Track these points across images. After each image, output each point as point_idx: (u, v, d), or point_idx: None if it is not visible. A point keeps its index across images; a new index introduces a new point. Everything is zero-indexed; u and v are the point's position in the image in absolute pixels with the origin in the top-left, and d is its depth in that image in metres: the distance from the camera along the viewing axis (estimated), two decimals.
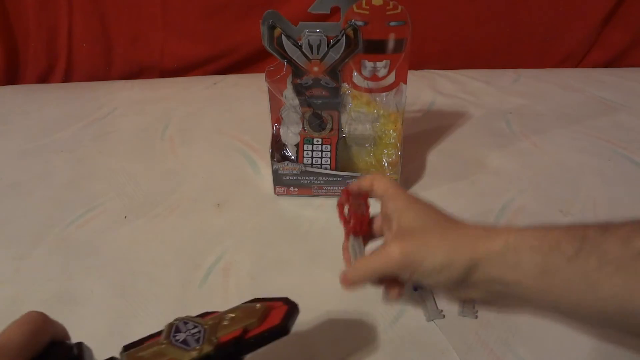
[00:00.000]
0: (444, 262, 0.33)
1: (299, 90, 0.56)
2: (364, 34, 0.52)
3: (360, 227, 0.41)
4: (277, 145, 0.61)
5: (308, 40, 0.52)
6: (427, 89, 0.90)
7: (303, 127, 0.60)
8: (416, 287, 0.48)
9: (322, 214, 0.59)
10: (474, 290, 0.34)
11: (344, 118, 0.60)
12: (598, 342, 0.43)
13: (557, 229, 0.30)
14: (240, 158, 0.71)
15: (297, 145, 0.60)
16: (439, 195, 0.62)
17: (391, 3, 0.50)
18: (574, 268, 0.28)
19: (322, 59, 0.54)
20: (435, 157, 0.70)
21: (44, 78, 0.98)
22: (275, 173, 0.60)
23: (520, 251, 0.31)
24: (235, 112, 0.83)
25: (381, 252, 0.36)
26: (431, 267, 0.33)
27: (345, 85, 0.57)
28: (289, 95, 0.57)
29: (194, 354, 0.28)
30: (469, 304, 0.47)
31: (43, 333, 0.28)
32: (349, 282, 0.38)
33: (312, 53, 0.53)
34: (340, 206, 0.42)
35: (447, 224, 0.36)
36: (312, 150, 0.60)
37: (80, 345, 0.29)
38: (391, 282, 0.39)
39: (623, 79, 0.93)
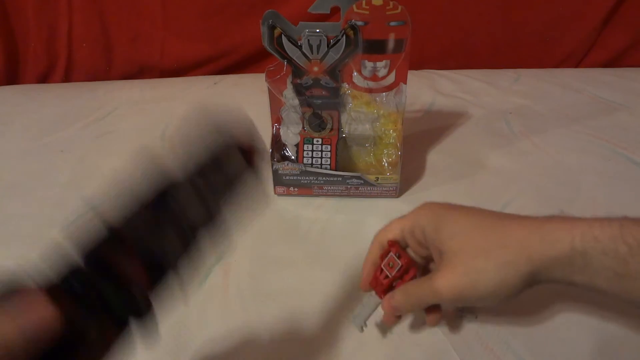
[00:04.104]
0: (497, 283, 0.30)
1: (299, 90, 0.56)
2: (364, 34, 0.52)
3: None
4: (277, 145, 0.61)
5: (308, 40, 0.52)
6: (427, 89, 0.90)
7: (303, 127, 0.60)
8: None
9: (322, 214, 0.59)
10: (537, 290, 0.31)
11: (344, 118, 0.60)
12: (598, 342, 0.43)
13: (631, 221, 0.28)
14: None
15: (297, 145, 0.60)
16: (439, 195, 0.62)
17: (391, 3, 0.50)
18: None
19: (322, 59, 0.54)
20: (435, 157, 0.70)
21: (44, 78, 0.98)
22: (275, 173, 0.60)
23: (589, 255, 0.28)
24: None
25: (430, 285, 0.33)
26: (484, 292, 0.31)
27: (345, 85, 0.57)
28: (289, 95, 0.57)
29: None
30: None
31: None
32: (394, 309, 0.36)
33: (312, 53, 0.53)
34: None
35: (492, 231, 0.33)
36: (312, 150, 0.60)
37: None
38: (432, 308, 0.37)
39: (623, 79, 0.93)
